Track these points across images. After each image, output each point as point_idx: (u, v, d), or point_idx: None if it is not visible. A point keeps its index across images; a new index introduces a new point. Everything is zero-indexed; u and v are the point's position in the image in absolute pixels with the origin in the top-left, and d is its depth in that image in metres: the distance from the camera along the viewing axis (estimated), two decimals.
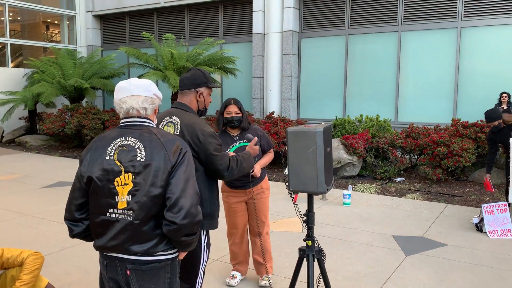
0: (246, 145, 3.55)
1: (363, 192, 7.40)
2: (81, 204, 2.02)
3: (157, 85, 13.89)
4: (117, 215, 1.94)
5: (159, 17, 13.81)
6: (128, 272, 1.96)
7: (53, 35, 16.13)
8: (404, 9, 10.07)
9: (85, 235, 2.08)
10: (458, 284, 3.87)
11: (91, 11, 14.74)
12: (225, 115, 3.59)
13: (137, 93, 2.03)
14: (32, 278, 2.91)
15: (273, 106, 11.50)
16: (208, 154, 2.53)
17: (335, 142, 8.65)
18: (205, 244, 2.66)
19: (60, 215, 5.92)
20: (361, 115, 9.75)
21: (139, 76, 11.56)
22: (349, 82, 10.92)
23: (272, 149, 3.81)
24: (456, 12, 9.53)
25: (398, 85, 10.27)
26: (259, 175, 3.59)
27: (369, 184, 7.85)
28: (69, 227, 2.06)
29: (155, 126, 2.10)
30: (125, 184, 1.92)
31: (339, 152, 8.40)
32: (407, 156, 8.57)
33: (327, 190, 2.61)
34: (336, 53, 11.03)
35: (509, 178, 5.30)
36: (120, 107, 2.04)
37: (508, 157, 5.34)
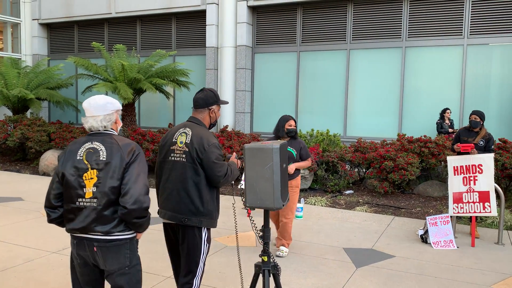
0: (289, 150, 4.95)
1: (315, 205, 7.55)
2: (58, 194, 2.50)
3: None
4: (84, 203, 2.43)
5: (110, 27, 13.53)
6: (95, 248, 2.44)
7: None
8: (353, 29, 10.49)
9: (59, 221, 2.55)
10: None
11: (37, 19, 14.19)
12: (287, 127, 4.96)
13: (96, 114, 2.52)
14: None
15: (227, 119, 11.53)
16: (210, 161, 2.93)
17: None
18: (205, 239, 3.01)
19: (1, 233, 5.60)
20: (312, 130, 9.98)
21: (88, 88, 11.25)
22: (301, 97, 11.18)
23: (309, 158, 5.11)
24: (401, 33, 10.05)
25: (347, 101, 10.64)
26: (292, 172, 4.87)
27: (320, 197, 8.03)
28: (47, 213, 2.53)
29: (116, 133, 2.60)
30: (91, 178, 2.43)
31: None
32: (355, 170, 8.85)
33: (283, 205, 2.66)
34: (288, 68, 11.28)
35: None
36: (85, 124, 2.56)
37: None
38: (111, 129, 2.57)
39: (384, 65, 10.29)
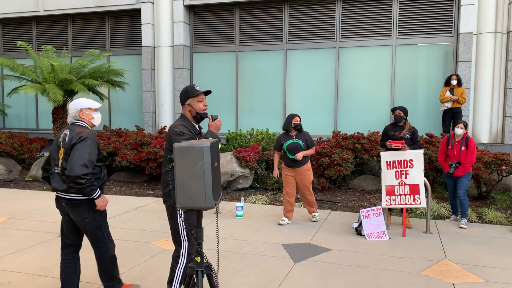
0: (297, 142, 6.12)
1: (255, 203, 7.60)
2: (48, 161, 3.65)
3: (37, 98, 12.83)
4: (56, 170, 3.51)
5: (38, 26, 12.82)
6: (64, 204, 3.50)
7: None
8: (289, 29, 10.68)
9: (48, 180, 3.63)
10: (341, 286, 4.16)
11: None
12: (293, 122, 6.15)
13: (70, 111, 3.64)
14: None
15: (166, 120, 11.32)
16: None
17: (228, 156, 8.78)
18: (181, 214, 3.39)
19: None
20: (252, 129, 10.05)
21: (14, 89, 10.60)
22: (241, 97, 11.21)
23: (314, 147, 6.26)
24: (334, 34, 10.37)
25: (285, 100, 10.81)
26: (300, 159, 6.03)
27: (261, 195, 8.09)
28: (42, 172, 3.67)
29: (83, 124, 3.59)
30: (61, 154, 3.48)
31: (232, 165, 8.54)
32: None
33: (215, 204, 2.64)
34: (227, 68, 11.27)
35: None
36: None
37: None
38: (80, 120, 3.59)
39: (319, 65, 10.57)
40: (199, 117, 3.51)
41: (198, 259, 2.63)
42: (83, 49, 12.30)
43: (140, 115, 11.90)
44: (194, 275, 2.65)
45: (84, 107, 3.60)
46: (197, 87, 3.49)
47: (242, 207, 6.71)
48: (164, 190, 3.49)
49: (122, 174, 9.86)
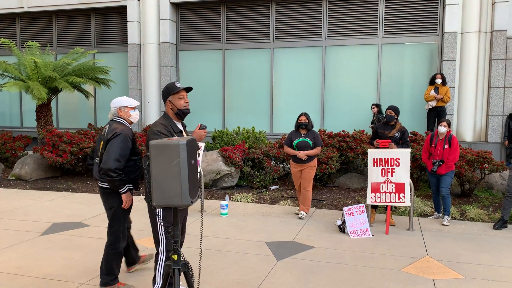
0: (306, 140, 6.41)
1: (240, 201, 7.59)
2: (93, 150, 4.06)
3: (21, 96, 12.67)
4: (97, 160, 3.84)
5: (22, 22, 12.65)
6: (99, 191, 3.87)
7: None
8: (275, 28, 10.67)
9: (90, 168, 4.08)
10: (323, 284, 4.17)
11: None
12: (298, 121, 6.49)
13: (110, 106, 3.97)
14: None
15: (152, 118, 11.25)
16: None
17: (214, 154, 8.75)
18: (159, 214, 3.40)
19: None
20: (239, 127, 10.03)
21: None
22: (228, 95, 11.19)
23: (320, 146, 6.48)
24: (321, 32, 10.39)
25: (272, 99, 10.82)
26: (304, 159, 6.33)
27: (246, 193, 8.08)
28: (87, 159, 4.29)
29: (121, 121, 3.89)
30: (102, 146, 3.78)
31: (218, 163, 8.51)
32: (280, 165, 9.02)
33: (192, 202, 2.62)
34: (214, 66, 11.23)
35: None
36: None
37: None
38: (119, 117, 3.91)
39: (306, 64, 10.58)
40: (181, 113, 3.48)
41: (175, 257, 2.62)
42: (68, 47, 12.17)
43: None
44: (171, 273, 2.63)
45: (123, 105, 3.92)
46: (177, 84, 3.45)
47: (226, 205, 6.69)
48: (146, 188, 3.49)
49: None
